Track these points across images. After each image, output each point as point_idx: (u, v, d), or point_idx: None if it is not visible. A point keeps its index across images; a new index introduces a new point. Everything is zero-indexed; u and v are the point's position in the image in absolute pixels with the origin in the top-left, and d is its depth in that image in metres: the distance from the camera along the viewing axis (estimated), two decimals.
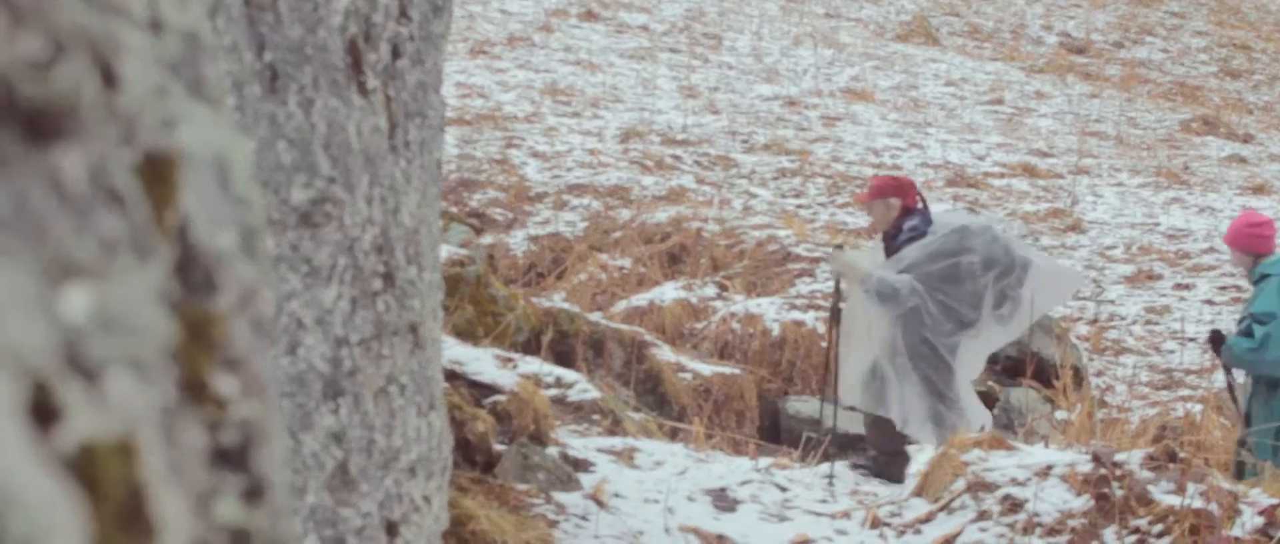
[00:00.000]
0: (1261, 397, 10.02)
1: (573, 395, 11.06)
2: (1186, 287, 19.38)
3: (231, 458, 0.93)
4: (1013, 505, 8.25)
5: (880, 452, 10.33)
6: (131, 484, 0.80)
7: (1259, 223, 10.34)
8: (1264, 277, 10.03)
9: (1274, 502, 7.76)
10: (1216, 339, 10.31)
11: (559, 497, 8.26)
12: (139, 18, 0.89)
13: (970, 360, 10.09)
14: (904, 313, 9.70)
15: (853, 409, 10.94)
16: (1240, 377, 10.76)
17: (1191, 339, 16.83)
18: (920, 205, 10.06)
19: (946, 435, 9.87)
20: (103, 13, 0.86)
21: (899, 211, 9.94)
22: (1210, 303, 18.56)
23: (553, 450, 9.05)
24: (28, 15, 0.79)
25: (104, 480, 0.78)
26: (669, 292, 15.72)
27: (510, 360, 10.15)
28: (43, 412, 0.75)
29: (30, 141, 0.80)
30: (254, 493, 0.95)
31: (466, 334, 11.09)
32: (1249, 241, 10.23)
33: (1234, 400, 11.13)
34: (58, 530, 0.74)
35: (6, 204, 0.77)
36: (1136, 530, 7.78)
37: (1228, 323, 17.59)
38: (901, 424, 10.04)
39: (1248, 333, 9.88)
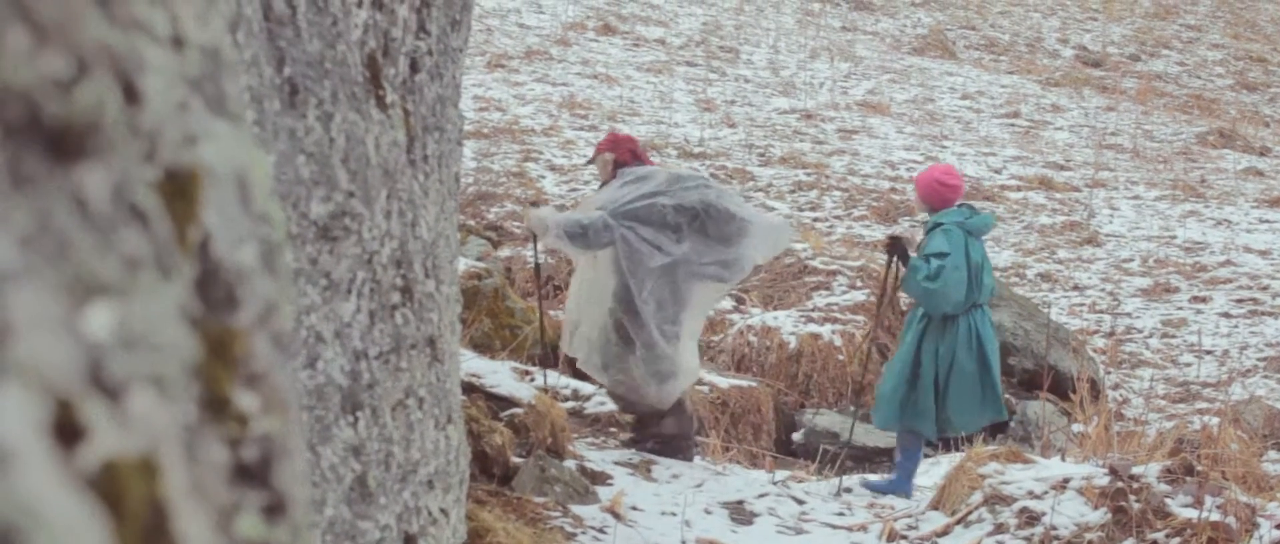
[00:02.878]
0: (934, 335, 10.38)
1: (590, 408, 11.08)
2: (1203, 299, 19.33)
3: (253, 474, 0.93)
4: (1030, 518, 8.24)
5: (675, 437, 10.26)
6: (154, 502, 0.80)
7: (949, 181, 10.69)
8: (937, 225, 10.47)
9: None
10: (895, 243, 10.63)
11: (576, 509, 8.27)
12: (161, 34, 0.90)
13: (697, 308, 10.09)
14: (630, 258, 9.71)
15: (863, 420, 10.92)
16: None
17: (1208, 352, 16.79)
18: (631, 161, 10.14)
19: (670, 388, 9.88)
20: (126, 30, 0.86)
21: (613, 166, 10.05)
22: (1227, 316, 18.52)
23: (570, 463, 9.06)
24: (52, 34, 0.79)
25: (127, 498, 0.78)
26: None
27: (527, 373, 10.16)
28: (66, 430, 0.75)
29: (54, 160, 0.80)
30: (275, 508, 0.95)
31: (484, 347, 11.11)
32: (936, 195, 10.63)
33: (879, 304, 11.65)
34: None
35: (31, 222, 0.77)
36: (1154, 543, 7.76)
37: (1243, 335, 17.58)
38: (638, 384, 9.98)
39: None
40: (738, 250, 9.90)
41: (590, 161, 10.61)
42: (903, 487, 10.41)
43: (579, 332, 9.95)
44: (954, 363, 10.32)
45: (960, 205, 10.53)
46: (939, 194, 10.49)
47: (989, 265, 10.55)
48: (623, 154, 10.14)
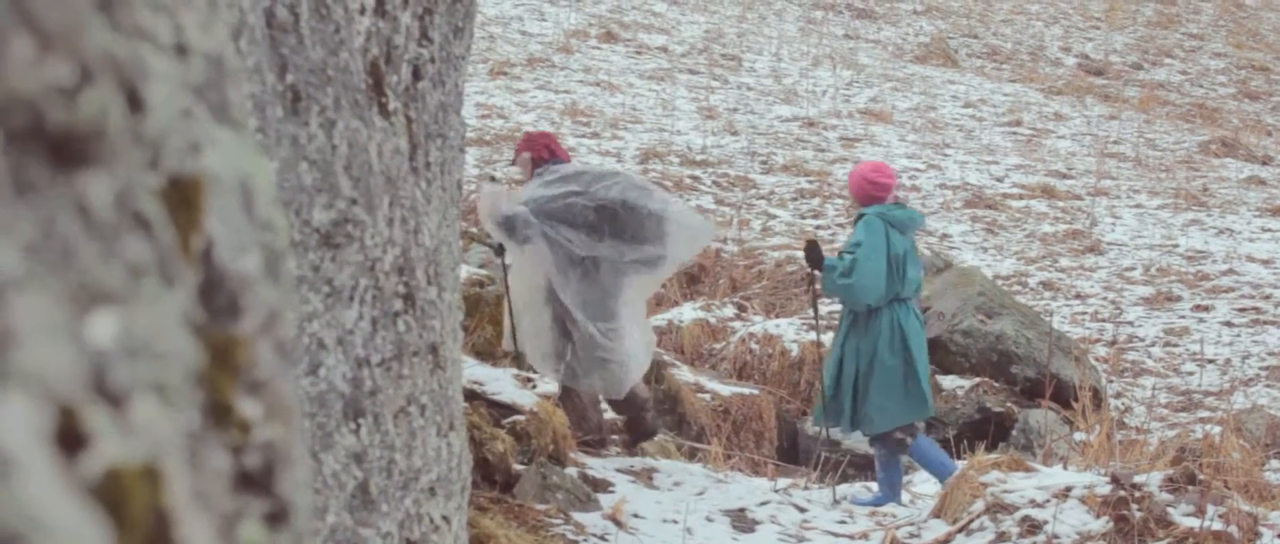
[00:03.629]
0: (858, 331, 10.42)
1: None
2: (1205, 308, 19.33)
3: (255, 481, 0.93)
4: (1031, 527, 8.23)
5: (630, 419, 10.24)
6: (157, 509, 0.80)
7: (878, 178, 10.67)
8: (860, 215, 10.52)
9: None
10: (812, 248, 10.58)
11: (578, 516, 8.26)
12: (165, 42, 0.90)
13: (632, 299, 10.05)
14: (553, 256, 9.71)
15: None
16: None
17: (1210, 361, 16.79)
18: (549, 157, 10.16)
19: (616, 378, 9.84)
20: (130, 38, 0.86)
21: (531, 165, 10.12)
22: (1229, 324, 18.52)
23: (572, 470, 9.06)
24: (56, 41, 0.79)
25: (130, 506, 0.78)
26: (687, 312, 15.72)
27: (529, 380, 10.16)
28: (69, 438, 0.75)
29: (57, 167, 0.80)
30: (277, 516, 0.95)
31: (486, 354, 11.09)
32: (863, 192, 10.65)
33: (815, 313, 11.80)
34: None
35: (34, 230, 0.77)
36: None
37: (1246, 344, 17.58)
38: (576, 373, 9.96)
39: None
40: (658, 249, 9.89)
41: (512, 164, 10.65)
42: (891, 500, 10.35)
43: (521, 332, 9.95)
44: (875, 358, 10.25)
45: (893, 203, 10.53)
46: (867, 192, 10.49)
47: (915, 259, 10.48)
48: (539, 151, 10.17)
